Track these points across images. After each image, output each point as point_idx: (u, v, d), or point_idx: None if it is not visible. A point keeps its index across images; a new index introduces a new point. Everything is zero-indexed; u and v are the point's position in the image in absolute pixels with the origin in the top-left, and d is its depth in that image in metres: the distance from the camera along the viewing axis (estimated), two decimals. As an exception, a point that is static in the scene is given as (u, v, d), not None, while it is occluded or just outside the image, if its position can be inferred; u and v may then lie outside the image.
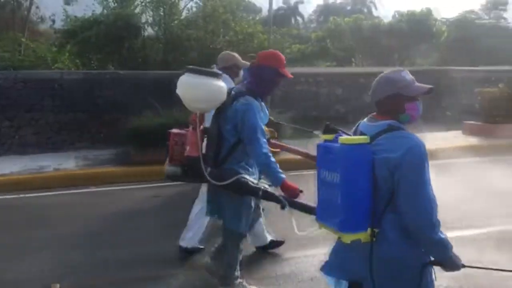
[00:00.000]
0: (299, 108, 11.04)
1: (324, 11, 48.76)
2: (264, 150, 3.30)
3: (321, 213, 2.31)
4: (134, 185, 7.86)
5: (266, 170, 3.35)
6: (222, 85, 3.34)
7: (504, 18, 36.32)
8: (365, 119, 2.37)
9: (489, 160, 8.43)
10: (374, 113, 2.35)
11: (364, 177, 2.13)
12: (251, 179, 3.39)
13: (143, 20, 14.72)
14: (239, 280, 3.73)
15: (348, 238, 2.13)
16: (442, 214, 2.16)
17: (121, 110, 10.31)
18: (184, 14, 15.82)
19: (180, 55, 13.63)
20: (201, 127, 3.44)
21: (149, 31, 14.99)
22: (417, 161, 2.12)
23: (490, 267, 2.58)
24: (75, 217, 6.26)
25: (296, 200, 3.21)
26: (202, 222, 4.65)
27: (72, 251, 5.09)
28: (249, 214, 3.56)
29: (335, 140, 2.26)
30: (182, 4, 15.57)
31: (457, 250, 2.20)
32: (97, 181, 7.98)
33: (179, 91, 3.33)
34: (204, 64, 12.43)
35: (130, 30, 13.74)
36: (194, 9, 16.24)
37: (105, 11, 14.61)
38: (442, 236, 2.15)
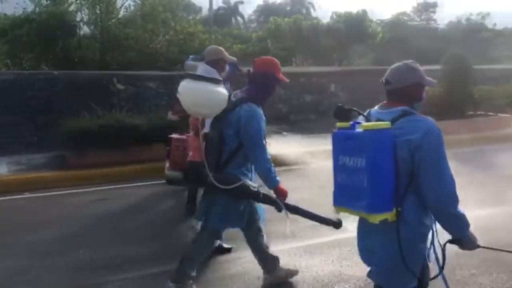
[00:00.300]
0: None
1: (264, 11, 49.23)
2: (267, 156, 3.44)
3: (340, 198, 2.42)
4: (73, 189, 7.54)
5: (267, 175, 3.47)
6: (224, 91, 3.38)
7: (434, 20, 38.25)
8: (376, 107, 2.52)
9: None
10: (385, 102, 2.49)
11: (388, 160, 2.26)
12: (252, 184, 3.51)
13: (78, 18, 14.24)
14: (190, 281, 3.74)
15: (376, 218, 2.25)
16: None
17: (56, 112, 9.90)
18: (121, 12, 15.44)
19: (118, 54, 13.27)
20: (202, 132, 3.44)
21: (85, 30, 14.50)
22: (435, 140, 2.27)
23: (504, 249, 2.75)
24: (7, 226, 5.91)
25: (289, 203, 3.48)
26: None
27: (3, 262, 4.80)
28: (234, 218, 3.64)
29: (352, 127, 2.38)
30: (119, 2, 15.17)
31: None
32: (32, 186, 7.59)
33: (182, 96, 3.35)
34: (143, 63, 12.23)
35: (64, 28, 13.22)
36: (132, 7, 15.89)
37: (37, 9, 13.96)
38: (462, 212, 2.28)
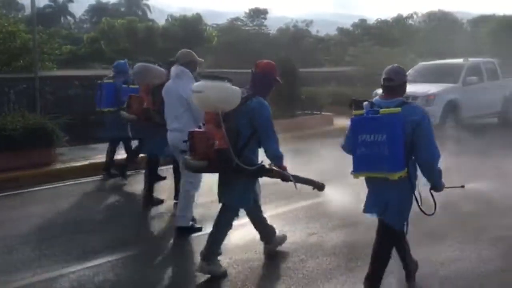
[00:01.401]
0: (75, 113, 10.32)
1: (98, 12, 46.97)
2: (277, 138, 4.12)
3: (360, 166, 3.37)
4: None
5: (277, 154, 4.10)
6: (238, 89, 3.97)
7: (265, 26, 40.69)
8: (376, 99, 3.50)
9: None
10: (383, 95, 3.49)
11: (400, 134, 3.26)
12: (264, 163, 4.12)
13: None
14: (218, 258, 4.20)
15: (395, 176, 3.26)
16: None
17: None
18: None
19: None
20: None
21: None
22: (428, 121, 3.38)
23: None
24: None
25: (295, 174, 4.22)
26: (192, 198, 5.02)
27: None
28: (250, 197, 4.22)
29: (368, 113, 3.34)
30: None
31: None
32: None
33: (205, 94, 3.88)
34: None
35: None
36: None
37: None
38: (439, 167, 3.41)
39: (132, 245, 4.89)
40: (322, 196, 5.15)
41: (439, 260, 4.28)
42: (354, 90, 14.39)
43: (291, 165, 4.32)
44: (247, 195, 4.15)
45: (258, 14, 41.51)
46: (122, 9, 48.96)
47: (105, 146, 7.86)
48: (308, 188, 4.45)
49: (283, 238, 4.68)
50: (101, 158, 8.13)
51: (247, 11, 41.70)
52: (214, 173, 4.12)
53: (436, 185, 3.52)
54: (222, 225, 4.18)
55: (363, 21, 41.02)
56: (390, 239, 3.56)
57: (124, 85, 7.07)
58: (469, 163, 7.44)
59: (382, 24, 37.96)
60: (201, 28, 21.67)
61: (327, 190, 4.51)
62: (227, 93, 3.91)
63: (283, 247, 4.64)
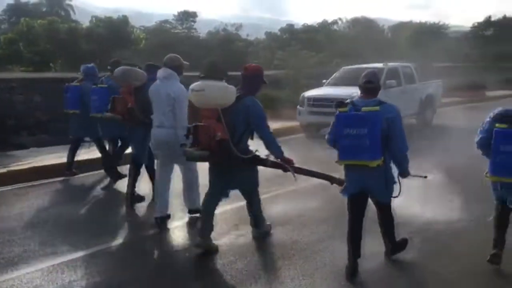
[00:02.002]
0: (-10, 118, 9.72)
1: (16, 12, 44.41)
2: (271, 132, 4.64)
3: (345, 155, 3.98)
4: None
5: (272, 146, 4.60)
6: (234, 88, 4.46)
7: (195, 29, 40.54)
8: (356, 99, 4.13)
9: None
10: (362, 95, 4.10)
11: (379, 129, 3.87)
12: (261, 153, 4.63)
13: None
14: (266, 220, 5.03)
15: (374, 163, 3.89)
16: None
17: None
18: None
19: None
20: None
21: None
22: (400, 118, 4.08)
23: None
24: None
25: (293, 165, 4.65)
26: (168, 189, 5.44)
27: None
28: (257, 175, 4.86)
29: (351, 111, 3.96)
30: None
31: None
32: None
33: (206, 92, 4.37)
34: None
35: None
36: None
37: None
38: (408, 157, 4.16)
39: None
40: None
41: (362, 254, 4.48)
42: (283, 93, 14.71)
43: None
44: (254, 178, 4.81)
45: (187, 17, 41.27)
46: (44, 9, 46.67)
47: (23, 152, 7.47)
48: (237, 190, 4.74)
49: (269, 227, 5.10)
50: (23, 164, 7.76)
51: (176, 13, 41.42)
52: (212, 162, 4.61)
53: (405, 171, 4.18)
54: (253, 200, 4.86)
55: (290, 26, 42.03)
56: (388, 212, 4.26)
57: (93, 86, 7.17)
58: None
59: (309, 29, 39.11)
60: (128, 30, 21.16)
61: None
62: (225, 91, 4.42)
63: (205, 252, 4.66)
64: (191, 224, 5.47)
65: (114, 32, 19.95)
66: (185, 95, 5.00)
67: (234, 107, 4.44)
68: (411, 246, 4.55)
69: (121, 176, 7.10)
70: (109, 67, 7.00)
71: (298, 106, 11.89)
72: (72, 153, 7.71)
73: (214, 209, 4.76)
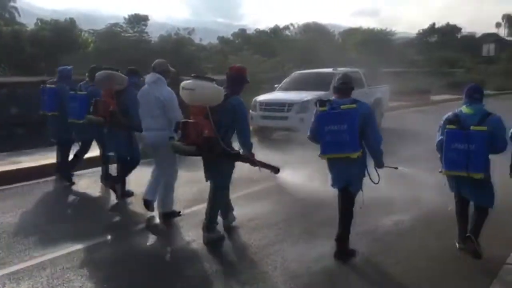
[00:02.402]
0: None
1: (-45, 13, 42.23)
2: (250, 131, 5.11)
3: (328, 149, 4.42)
4: None
5: (248, 144, 4.97)
6: (222, 88, 4.82)
7: (146, 33, 39.81)
8: (334, 98, 4.55)
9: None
10: (337, 95, 4.56)
11: (356, 125, 4.32)
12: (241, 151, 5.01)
13: None
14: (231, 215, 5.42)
15: (355, 155, 4.34)
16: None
17: None
18: None
19: None
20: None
21: None
22: (373, 113, 4.60)
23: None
24: None
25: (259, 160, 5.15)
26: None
27: None
28: (232, 173, 5.13)
29: (330, 110, 4.39)
30: None
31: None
32: None
33: (197, 91, 4.71)
34: None
35: None
36: None
37: None
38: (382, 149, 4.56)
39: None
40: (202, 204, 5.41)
41: (312, 256, 4.54)
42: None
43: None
44: (229, 174, 5.08)
45: (138, 20, 40.44)
46: (-14, 11, 44.62)
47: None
48: (188, 195, 5.40)
49: (234, 218, 5.48)
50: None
51: (127, 16, 40.55)
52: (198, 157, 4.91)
53: (379, 162, 4.60)
54: (217, 200, 5.05)
55: (243, 31, 42.20)
56: (351, 201, 4.56)
57: (71, 92, 7.22)
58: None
59: (261, 34, 39.39)
60: (76, 33, 20.54)
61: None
62: (214, 91, 4.76)
63: (161, 256, 4.58)
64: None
65: (61, 35, 19.31)
66: (174, 97, 5.49)
67: (221, 106, 4.78)
68: (359, 246, 4.65)
69: (71, 180, 7.42)
70: (87, 74, 7.23)
71: (250, 111, 11.93)
72: (60, 154, 7.68)
73: (224, 198, 5.23)
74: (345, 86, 4.56)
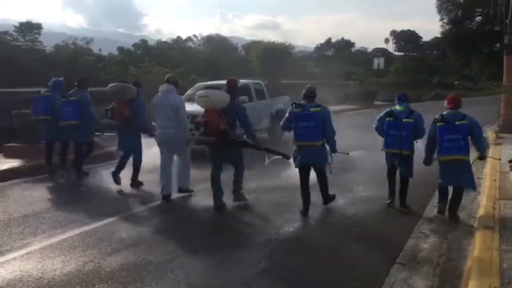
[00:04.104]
0: None
1: None
2: (252, 126, 6.95)
3: (301, 138, 6.14)
4: None
5: (249, 131, 6.76)
6: (228, 94, 6.53)
7: (40, 42, 37.50)
8: (303, 102, 6.25)
9: (31, 181, 8.48)
10: (306, 101, 6.26)
11: (320, 122, 6.10)
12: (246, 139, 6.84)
13: None
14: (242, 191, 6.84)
15: (319, 143, 6.12)
16: None
17: None
18: None
19: None
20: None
21: None
22: (330, 114, 6.34)
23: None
24: None
25: (265, 147, 7.14)
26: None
27: None
28: (242, 155, 6.82)
29: (302, 111, 6.13)
30: None
31: None
32: None
33: (211, 98, 6.55)
34: None
35: None
36: None
37: None
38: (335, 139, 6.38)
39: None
40: (103, 220, 5.62)
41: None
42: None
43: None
44: (241, 154, 6.74)
45: (30, 28, 38.00)
46: None
47: None
48: (94, 211, 5.89)
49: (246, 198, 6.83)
50: None
51: (18, 24, 37.90)
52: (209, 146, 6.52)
53: (334, 149, 6.28)
54: (238, 174, 6.71)
55: (144, 42, 41.34)
56: (324, 176, 6.37)
57: (63, 99, 8.54)
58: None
59: (163, 45, 38.89)
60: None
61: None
62: (224, 97, 6.51)
63: (57, 277, 4.30)
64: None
65: None
66: (183, 102, 7.25)
67: (227, 108, 6.46)
68: (262, 255, 4.74)
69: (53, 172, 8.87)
70: (76, 83, 8.67)
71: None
72: (49, 154, 8.96)
73: (219, 179, 6.59)
74: (312, 94, 6.32)
